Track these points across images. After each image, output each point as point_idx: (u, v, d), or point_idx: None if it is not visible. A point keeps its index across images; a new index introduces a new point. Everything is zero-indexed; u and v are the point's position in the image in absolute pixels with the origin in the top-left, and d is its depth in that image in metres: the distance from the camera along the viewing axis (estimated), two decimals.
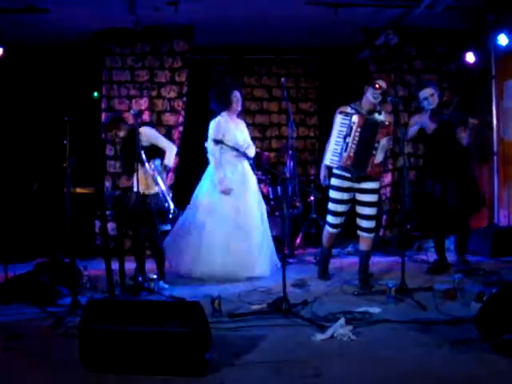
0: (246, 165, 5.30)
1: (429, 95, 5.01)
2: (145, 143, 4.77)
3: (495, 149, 6.77)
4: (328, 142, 4.75)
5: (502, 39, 6.07)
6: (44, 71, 7.02)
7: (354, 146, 4.50)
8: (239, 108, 5.29)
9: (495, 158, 6.78)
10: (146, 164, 4.70)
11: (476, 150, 5.62)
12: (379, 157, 4.54)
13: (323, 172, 4.88)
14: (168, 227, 4.91)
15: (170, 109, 6.72)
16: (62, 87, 7.01)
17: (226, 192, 5.11)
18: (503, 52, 6.44)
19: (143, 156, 4.66)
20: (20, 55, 6.76)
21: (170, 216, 4.71)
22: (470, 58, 6.42)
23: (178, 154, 6.62)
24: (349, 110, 4.65)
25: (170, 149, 4.93)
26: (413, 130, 5.13)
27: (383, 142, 4.52)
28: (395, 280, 4.32)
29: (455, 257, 5.28)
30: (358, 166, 4.54)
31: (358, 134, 4.49)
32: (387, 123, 4.56)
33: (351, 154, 4.51)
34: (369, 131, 4.51)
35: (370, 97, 4.61)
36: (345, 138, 4.52)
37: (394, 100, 4.65)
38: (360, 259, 4.87)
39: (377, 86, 4.56)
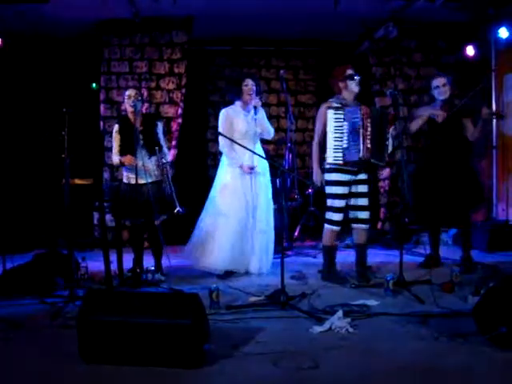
0: (255, 157, 4.92)
1: (440, 84, 4.93)
2: (157, 135, 4.92)
3: (495, 143, 6.77)
4: (315, 138, 4.76)
5: (503, 32, 6.06)
6: (42, 62, 6.99)
7: (368, 137, 4.50)
8: (251, 97, 4.97)
9: (494, 151, 6.78)
10: (158, 155, 4.80)
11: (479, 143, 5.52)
12: (390, 147, 4.64)
13: (320, 176, 4.74)
14: (164, 217, 4.88)
15: (168, 100, 6.70)
16: (61, 78, 6.99)
17: (248, 170, 4.93)
18: (503, 45, 6.43)
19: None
20: (19, 46, 6.73)
21: (175, 213, 4.70)
22: (470, 51, 6.41)
23: (176, 146, 6.65)
24: (334, 104, 4.64)
25: (167, 151, 5.09)
26: (416, 123, 5.03)
27: (391, 130, 4.61)
28: (393, 273, 4.32)
29: (459, 253, 5.18)
30: (377, 157, 4.57)
31: (369, 124, 4.50)
32: (389, 111, 4.66)
33: (368, 146, 4.50)
34: (378, 121, 4.57)
35: (353, 88, 4.64)
36: (357, 131, 4.49)
37: (393, 93, 4.64)
38: (358, 252, 4.84)
39: (355, 77, 4.62)
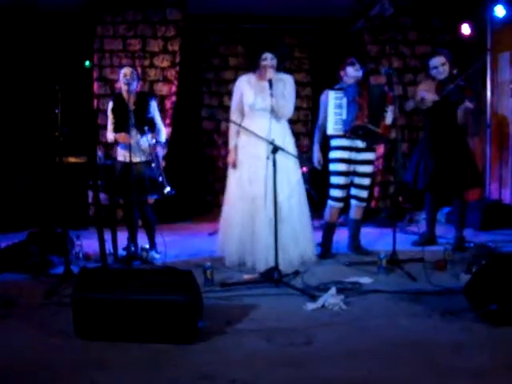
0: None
1: (439, 64, 4.78)
2: (150, 114, 4.86)
3: (488, 122, 6.77)
4: (318, 121, 4.86)
5: (499, 10, 6.01)
6: (35, 39, 6.89)
7: (366, 105, 4.56)
8: (269, 75, 4.35)
9: (488, 131, 6.78)
10: (149, 135, 4.76)
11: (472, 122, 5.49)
12: (389, 119, 4.67)
13: (318, 154, 4.88)
14: (155, 197, 4.89)
15: (162, 78, 6.64)
16: (54, 56, 6.90)
17: (230, 164, 4.65)
18: (499, 24, 6.38)
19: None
20: (10, 21, 6.63)
21: (165, 193, 4.71)
22: (466, 29, 6.36)
23: (170, 124, 6.62)
24: (336, 87, 4.79)
25: (163, 128, 5.03)
26: (410, 105, 5.04)
27: (391, 107, 4.66)
28: (386, 251, 4.35)
29: (452, 231, 5.20)
30: (374, 123, 4.60)
31: (367, 95, 4.59)
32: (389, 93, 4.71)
33: (366, 112, 4.56)
34: (375, 93, 4.65)
35: (352, 73, 4.75)
36: (355, 101, 4.57)
37: (388, 71, 4.64)
38: (353, 228, 4.99)
39: (356, 64, 4.76)
